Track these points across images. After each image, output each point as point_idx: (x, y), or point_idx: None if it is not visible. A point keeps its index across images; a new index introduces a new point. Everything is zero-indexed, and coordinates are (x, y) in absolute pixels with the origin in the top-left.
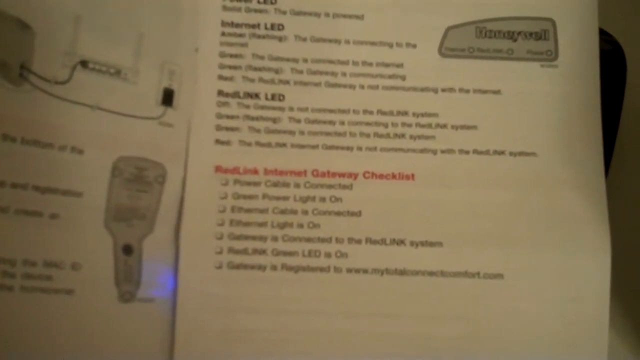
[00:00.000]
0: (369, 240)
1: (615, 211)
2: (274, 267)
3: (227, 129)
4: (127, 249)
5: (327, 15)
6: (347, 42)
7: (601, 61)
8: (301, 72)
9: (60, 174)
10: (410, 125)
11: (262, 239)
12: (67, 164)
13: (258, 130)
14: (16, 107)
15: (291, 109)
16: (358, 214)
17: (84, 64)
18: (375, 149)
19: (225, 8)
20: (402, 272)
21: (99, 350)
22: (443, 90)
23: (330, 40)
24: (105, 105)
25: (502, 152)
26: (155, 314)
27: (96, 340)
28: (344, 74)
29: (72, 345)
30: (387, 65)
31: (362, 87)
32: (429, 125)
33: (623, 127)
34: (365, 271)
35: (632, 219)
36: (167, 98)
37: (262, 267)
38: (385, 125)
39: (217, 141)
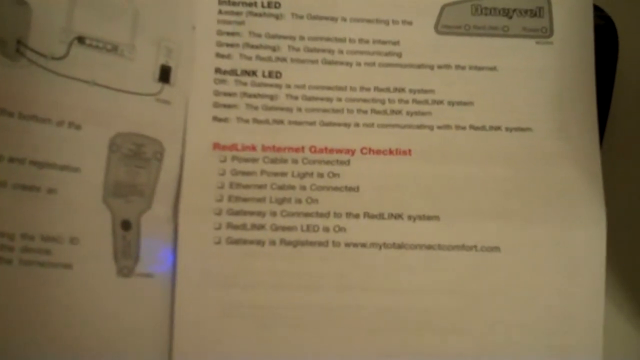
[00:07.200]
0: (367, 215)
1: (609, 182)
2: (272, 242)
3: (225, 106)
4: (126, 225)
5: None
6: (344, 19)
7: (594, 36)
8: (298, 49)
9: (58, 149)
10: (406, 102)
11: (261, 214)
12: (64, 139)
13: (255, 108)
14: (13, 82)
15: (288, 86)
16: (356, 189)
17: (80, 39)
18: (372, 125)
19: None
20: (400, 246)
21: (98, 323)
22: (439, 67)
23: (326, 18)
24: (102, 81)
25: (498, 128)
26: (154, 289)
27: (95, 314)
28: (340, 51)
29: (70, 318)
30: (383, 42)
31: (358, 64)
32: (426, 102)
33: (616, 100)
34: (363, 245)
35: (625, 190)
36: (164, 75)
37: (261, 242)
38: (382, 102)
39: (215, 118)
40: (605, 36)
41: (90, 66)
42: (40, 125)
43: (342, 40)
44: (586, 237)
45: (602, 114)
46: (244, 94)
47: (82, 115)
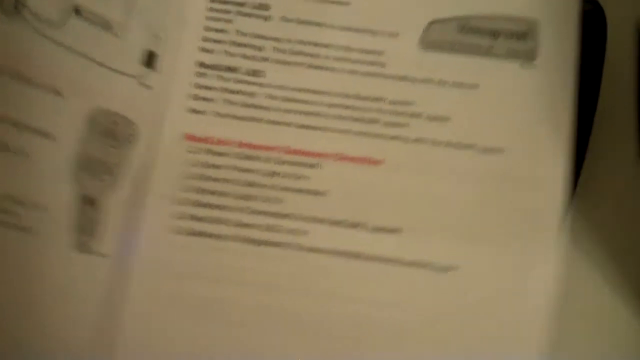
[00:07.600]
0: (330, 221)
1: (598, 175)
2: (234, 238)
3: (203, 99)
4: (90, 201)
5: None
6: (332, 26)
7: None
8: (283, 51)
9: (38, 112)
10: (385, 112)
11: (225, 209)
12: (46, 103)
13: (234, 104)
14: (6, 39)
15: (269, 85)
16: (323, 193)
17: (77, 10)
18: (348, 131)
19: None
20: (357, 256)
21: (47, 291)
22: (421, 80)
23: (314, 24)
24: (91, 54)
25: (471, 146)
26: (109, 270)
27: (46, 282)
28: (326, 57)
29: (22, 282)
30: (368, 52)
31: (342, 70)
32: (404, 114)
33: (604, 86)
34: (322, 251)
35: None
36: (150, 60)
37: (221, 237)
38: (361, 110)
39: (192, 110)
40: (593, 22)
41: (82, 38)
42: (24, 85)
43: (328, 46)
44: (542, 267)
45: (591, 99)
46: (224, 89)
47: (66, 84)
